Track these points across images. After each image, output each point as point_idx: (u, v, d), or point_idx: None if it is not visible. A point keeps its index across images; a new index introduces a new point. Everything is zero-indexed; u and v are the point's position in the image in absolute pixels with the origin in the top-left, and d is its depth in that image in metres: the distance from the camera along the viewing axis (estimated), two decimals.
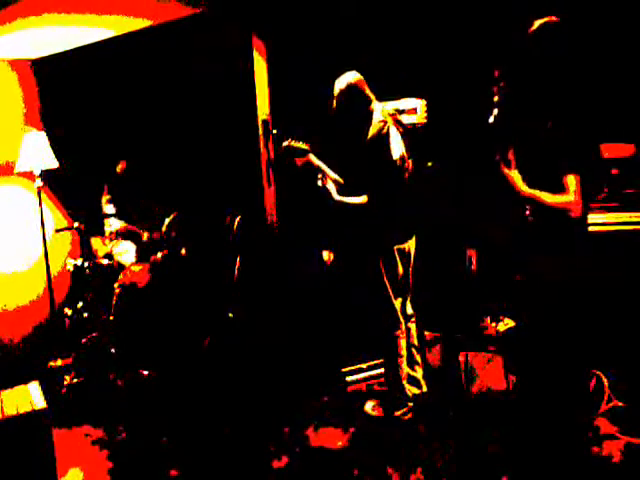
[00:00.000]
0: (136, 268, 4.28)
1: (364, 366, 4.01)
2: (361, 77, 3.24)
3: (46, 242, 4.52)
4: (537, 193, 2.38)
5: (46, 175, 4.47)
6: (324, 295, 4.35)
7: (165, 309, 4.15)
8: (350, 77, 3.23)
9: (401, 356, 3.38)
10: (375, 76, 3.36)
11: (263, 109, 4.46)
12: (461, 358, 3.48)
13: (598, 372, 3.18)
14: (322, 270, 4.40)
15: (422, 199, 3.41)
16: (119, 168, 4.77)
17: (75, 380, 4.13)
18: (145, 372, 4.07)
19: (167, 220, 4.33)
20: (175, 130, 4.80)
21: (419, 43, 3.96)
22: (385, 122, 3.17)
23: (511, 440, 3.00)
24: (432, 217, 3.68)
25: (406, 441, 3.21)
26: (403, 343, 3.38)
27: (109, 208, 4.70)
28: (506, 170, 2.43)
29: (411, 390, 3.42)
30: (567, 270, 2.45)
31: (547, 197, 2.36)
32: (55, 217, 5.03)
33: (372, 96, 3.27)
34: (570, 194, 2.32)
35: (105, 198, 4.75)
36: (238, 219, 4.36)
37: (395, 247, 3.30)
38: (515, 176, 2.42)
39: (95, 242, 4.74)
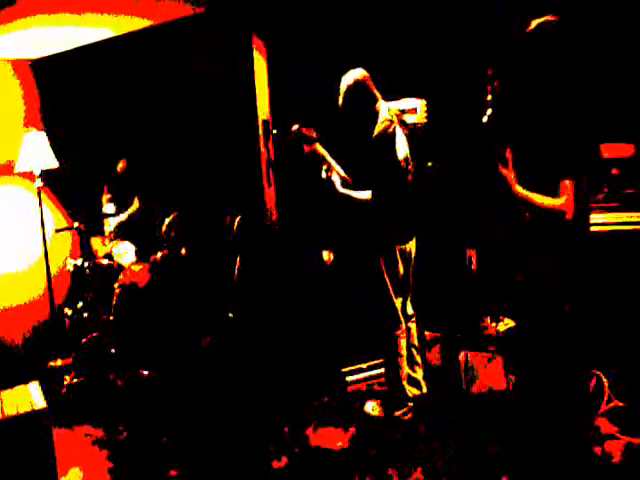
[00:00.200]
0: (136, 268, 4.28)
1: (364, 366, 4.01)
2: (368, 74, 3.25)
3: (46, 242, 4.52)
4: (530, 194, 2.38)
5: (46, 175, 4.48)
6: (324, 295, 4.35)
7: (165, 309, 4.14)
8: (357, 73, 3.25)
9: (401, 356, 3.38)
10: (375, 76, 3.36)
11: (263, 109, 4.46)
12: (461, 358, 3.48)
13: (598, 372, 3.18)
14: (322, 270, 4.40)
15: (422, 199, 3.41)
16: (119, 167, 4.77)
17: (75, 380, 4.13)
18: (145, 372, 4.07)
19: (167, 220, 4.33)
20: (175, 130, 4.79)
21: (419, 43, 3.96)
22: (392, 121, 3.18)
23: (511, 440, 3.00)
24: (432, 217, 3.68)
25: (406, 441, 3.21)
26: (403, 343, 3.38)
27: (109, 207, 4.71)
28: (502, 169, 2.43)
29: (411, 391, 3.42)
30: (567, 270, 2.45)
31: (539, 199, 2.36)
32: (55, 217, 5.03)
33: (378, 95, 3.28)
34: (562, 199, 2.33)
35: (105, 198, 4.75)
36: (238, 219, 4.36)
37: (397, 247, 3.30)
38: (511, 175, 2.42)
39: (95, 242, 4.74)
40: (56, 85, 4.94)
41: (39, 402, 2.94)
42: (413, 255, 3.40)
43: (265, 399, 3.81)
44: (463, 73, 3.89)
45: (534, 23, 2.42)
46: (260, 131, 4.46)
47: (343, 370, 4.00)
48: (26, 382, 3.19)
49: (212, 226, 4.54)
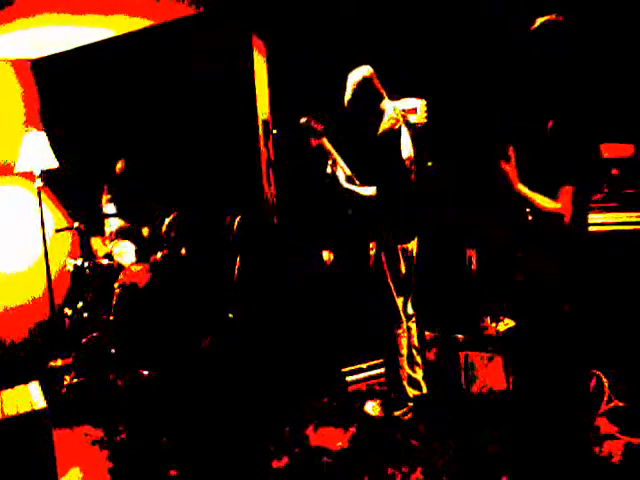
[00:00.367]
0: (136, 268, 4.28)
1: (364, 366, 4.01)
2: (374, 72, 3.26)
3: (46, 242, 4.52)
4: (531, 194, 2.39)
5: (46, 175, 4.47)
6: (324, 295, 4.35)
7: (165, 309, 4.14)
8: (364, 71, 3.26)
9: (402, 355, 3.38)
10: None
11: (263, 109, 4.46)
12: (461, 358, 3.48)
13: (598, 372, 3.18)
14: (322, 270, 4.40)
15: (423, 199, 3.41)
16: (118, 167, 4.77)
17: (75, 380, 4.13)
18: (145, 372, 4.07)
19: (167, 220, 4.33)
20: (175, 130, 4.79)
21: (419, 43, 3.96)
22: (398, 120, 3.20)
23: (511, 440, 3.00)
24: (432, 217, 3.68)
25: (406, 441, 3.21)
26: (404, 342, 3.38)
27: (109, 208, 4.71)
28: (505, 166, 2.43)
29: (411, 391, 3.42)
30: (566, 270, 2.45)
31: (540, 200, 2.37)
32: (55, 217, 5.03)
33: (384, 93, 3.30)
34: (560, 203, 2.34)
35: (105, 198, 4.75)
36: (238, 219, 4.36)
37: (399, 246, 3.30)
38: (513, 173, 2.42)
39: (95, 242, 4.74)
40: (56, 85, 4.94)
41: (39, 402, 2.94)
42: (415, 254, 3.40)
43: (265, 399, 3.81)
44: (463, 73, 3.89)
45: (538, 22, 2.42)
46: (260, 131, 4.46)
47: (343, 370, 4.00)
48: (26, 382, 3.19)
49: (212, 226, 4.54)
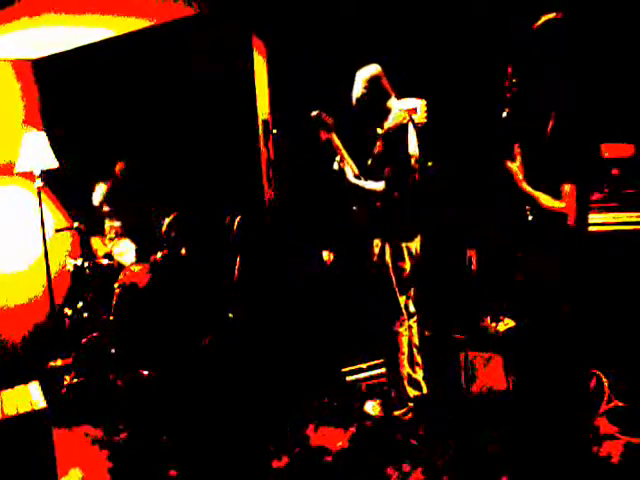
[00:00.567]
0: (136, 268, 4.28)
1: (364, 366, 4.01)
2: (382, 70, 3.29)
3: (46, 242, 4.52)
4: (536, 193, 2.40)
5: (46, 175, 4.47)
6: (324, 295, 4.35)
7: (165, 309, 4.15)
8: (373, 69, 3.29)
9: (402, 353, 3.38)
10: None
11: (263, 109, 4.46)
12: (461, 358, 3.48)
13: (598, 372, 3.18)
14: (322, 270, 4.40)
15: (424, 199, 3.42)
16: (117, 168, 4.76)
17: (75, 380, 4.13)
18: (145, 372, 4.07)
19: (167, 220, 4.33)
20: (175, 130, 4.79)
21: (419, 43, 3.96)
22: (405, 117, 3.22)
23: (511, 440, 3.01)
24: (433, 217, 3.68)
25: (406, 441, 3.21)
26: (404, 340, 3.39)
27: (97, 195, 4.65)
28: (510, 165, 2.44)
29: (411, 391, 3.42)
30: (567, 270, 2.45)
31: (544, 199, 2.38)
32: (55, 217, 5.03)
33: (392, 91, 3.32)
34: (563, 202, 2.35)
35: (102, 197, 4.72)
36: (238, 219, 4.36)
37: (404, 243, 3.31)
38: (518, 172, 2.44)
39: (95, 242, 4.74)
40: (56, 85, 4.94)
41: (39, 402, 2.94)
42: (418, 253, 3.40)
43: (265, 399, 3.81)
44: (463, 73, 3.89)
45: (541, 20, 2.42)
46: (260, 131, 4.46)
47: (343, 370, 4.00)
48: (26, 382, 3.19)
49: (212, 226, 4.54)
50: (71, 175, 4.82)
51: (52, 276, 4.61)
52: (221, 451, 3.33)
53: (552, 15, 2.41)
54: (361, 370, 3.99)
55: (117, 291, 4.19)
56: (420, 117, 3.66)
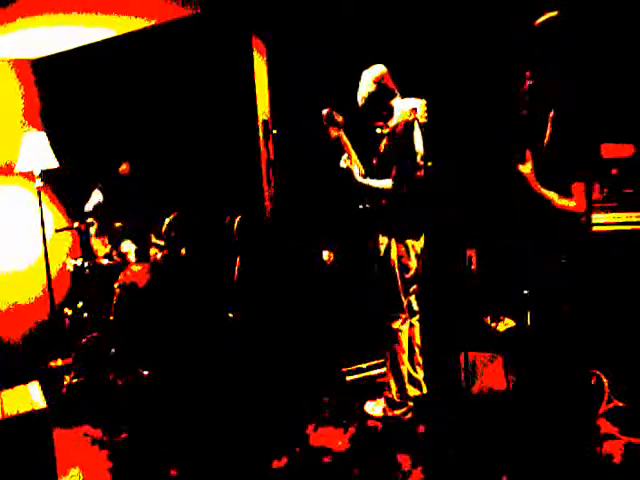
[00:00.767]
0: (136, 268, 4.28)
1: (364, 366, 4.01)
2: (387, 71, 3.34)
3: (46, 242, 4.52)
4: (549, 193, 2.42)
5: (46, 175, 4.47)
6: (324, 295, 4.35)
7: (165, 309, 4.15)
8: (379, 69, 3.33)
9: (403, 351, 3.39)
10: None
11: (263, 109, 4.46)
12: (461, 358, 3.48)
13: (598, 372, 3.18)
14: (322, 270, 4.40)
15: (426, 198, 3.42)
16: (121, 169, 4.76)
17: (75, 380, 4.13)
18: (145, 372, 4.08)
19: (167, 220, 4.33)
20: (175, 130, 4.79)
21: (419, 43, 3.96)
22: (411, 115, 3.24)
23: (511, 440, 3.00)
24: (433, 217, 3.68)
25: (406, 441, 3.21)
26: (405, 337, 3.39)
27: (96, 197, 4.64)
28: (522, 168, 2.46)
29: (411, 390, 3.42)
30: (571, 269, 2.46)
31: (557, 199, 2.41)
32: (55, 217, 5.02)
33: (396, 90, 3.36)
34: (574, 201, 2.37)
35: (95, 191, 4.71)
36: (238, 219, 4.36)
37: (410, 241, 3.32)
38: (532, 174, 2.46)
39: (95, 242, 4.74)
40: (56, 85, 4.94)
41: (39, 402, 2.94)
42: (422, 253, 3.41)
43: (265, 399, 3.81)
44: (463, 73, 3.89)
45: (542, 18, 2.43)
46: (260, 131, 4.46)
47: (343, 370, 4.00)
48: (26, 382, 3.19)
49: (212, 226, 4.54)
50: (71, 175, 4.82)
51: (52, 276, 4.61)
52: (221, 451, 3.33)
53: (553, 14, 2.41)
54: (361, 370, 3.99)
55: (117, 291, 4.19)
56: (420, 117, 3.66)
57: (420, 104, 3.33)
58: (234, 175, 4.57)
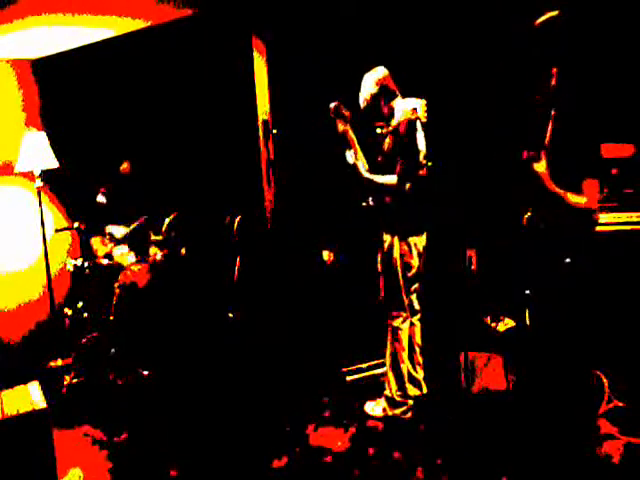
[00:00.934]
0: (136, 268, 4.28)
1: (364, 366, 4.01)
2: (388, 73, 3.37)
3: (46, 242, 4.52)
4: (564, 192, 2.44)
5: (46, 175, 4.47)
6: (324, 295, 4.35)
7: (165, 309, 4.14)
8: (382, 72, 3.36)
9: (403, 349, 3.39)
10: None
11: (263, 109, 4.46)
12: (461, 358, 3.48)
13: (598, 372, 3.18)
14: (322, 270, 4.40)
15: (428, 196, 3.43)
16: (122, 168, 4.75)
17: (75, 380, 4.13)
18: (145, 372, 4.07)
19: (167, 220, 4.33)
20: (175, 130, 4.79)
21: (419, 43, 3.96)
22: (413, 114, 3.25)
23: (511, 440, 3.00)
24: (434, 216, 3.68)
25: (406, 441, 3.21)
26: (405, 336, 3.40)
27: (100, 198, 4.64)
28: (537, 167, 2.47)
29: (412, 390, 3.42)
30: (572, 270, 2.46)
31: (571, 197, 2.43)
32: (55, 217, 5.02)
33: (397, 91, 3.39)
34: (587, 197, 2.39)
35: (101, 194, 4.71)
36: (238, 219, 4.36)
37: (412, 239, 3.33)
38: (546, 174, 2.47)
39: (95, 242, 4.74)
40: (56, 85, 4.94)
41: (39, 402, 2.94)
42: (424, 252, 3.41)
43: (265, 399, 3.81)
44: (463, 73, 3.89)
45: (542, 18, 2.43)
46: (260, 131, 4.46)
47: (343, 370, 4.00)
48: (26, 382, 3.19)
49: (212, 226, 4.54)
50: (71, 175, 4.82)
51: (52, 276, 4.61)
52: (221, 451, 3.33)
53: (553, 13, 2.41)
54: (361, 370, 3.99)
55: (117, 291, 4.18)
56: (420, 117, 3.67)
57: (420, 104, 3.34)
58: (234, 175, 4.57)
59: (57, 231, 4.73)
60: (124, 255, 4.46)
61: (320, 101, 3.50)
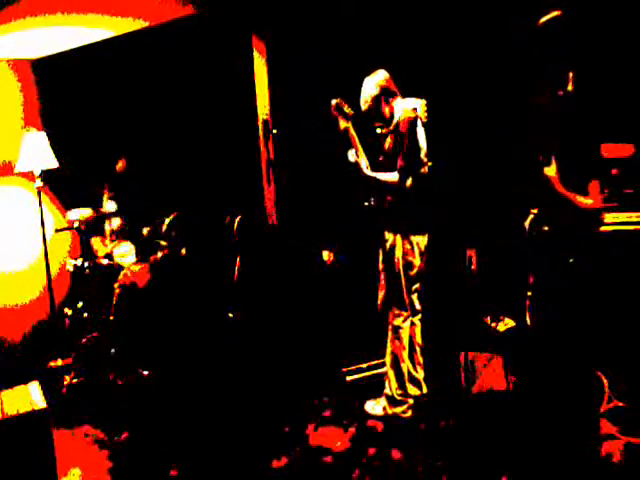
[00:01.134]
0: (136, 268, 4.28)
1: (364, 366, 4.01)
2: (389, 76, 3.39)
3: (46, 242, 4.51)
4: (572, 194, 2.45)
5: (46, 175, 4.47)
6: (324, 295, 4.35)
7: (165, 309, 4.14)
8: (382, 75, 3.38)
9: (403, 348, 3.40)
10: None
11: (263, 109, 4.46)
12: (461, 358, 3.48)
13: (598, 372, 3.18)
14: (322, 270, 4.40)
15: (429, 195, 3.43)
16: (119, 166, 4.76)
17: (75, 380, 4.13)
18: (145, 372, 4.07)
19: (167, 220, 4.33)
20: (175, 130, 4.79)
21: (419, 43, 3.96)
22: (413, 112, 3.27)
23: (511, 440, 3.00)
24: (434, 216, 3.68)
25: (406, 441, 3.21)
26: (405, 335, 3.40)
27: (110, 205, 4.68)
28: (547, 170, 2.49)
29: (412, 390, 3.42)
30: (570, 270, 2.47)
31: (579, 199, 2.45)
32: (55, 217, 5.02)
33: (397, 92, 3.41)
34: (592, 198, 2.41)
35: (106, 196, 4.74)
36: (238, 219, 4.36)
37: (414, 238, 3.33)
38: (556, 176, 2.48)
39: (95, 242, 4.74)
40: (56, 85, 4.94)
41: (39, 402, 2.94)
42: (426, 251, 3.41)
43: (265, 399, 3.81)
44: (463, 73, 3.89)
45: (545, 18, 2.43)
46: (260, 131, 4.46)
47: (343, 370, 4.00)
48: (26, 382, 3.19)
49: (212, 226, 4.54)
50: (71, 175, 4.81)
51: (52, 276, 4.61)
52: (221, 451, 3.33)
53: (555, 14, 2.41)
54: (361, 370, 3.99)
55: (117, 291, 4.18)
56: (420, 117, 3.67)
57: (420, 104, 3.34)
58: (234, 175, 4.57)
59: (57, 231, 4.73)
60: (124, 256, 4.46)
61: (320, 101, 3.51)
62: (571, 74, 2.55)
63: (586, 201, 2.47)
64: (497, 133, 3.76)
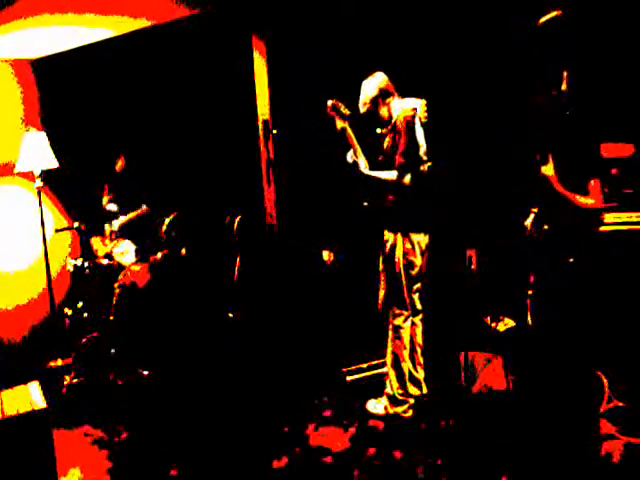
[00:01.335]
0: (136, 268, 4.28)
1: (364, 366, 4.01)
2: (387, 78, 3.41)
3: (46, 242, 4.51)
4: (571, 194, 2.45)
5: (46, 175, 4.47)
6: (324, 295, 4.35)
7: (165, 309, 4.14)
8: (381, 77, 3.40)
9: (404, 347, 3.40)
10: None
11: (263, 109, 4.46)
12: (461, 358, 3.48)
13: (598, 372, 3.18)
14: (322, 270, 4.40)
15: (429, 195, 3.43)
16: (118, 165, 4.76)
17: (75, 380, 4.13)
18: (145, 372, 4.07)
19: (167, 220, 4.33)
20: (175, 130, 4.79)
21: (419, 43, 3.96)
22: (412, 111, 3.28)
23: (511, 440, 3.00)
24: (434, 216, 3.69)
25: (406, 441, 3.21)
26: (406, 334, 3.40)
27: (111, 206, 4.69)
28: (545, 170, 2.49)
29: (412, 389, 3.43)
30: (570, 270, 2.47)
31: (579, 198, 2.45)
32: (55, 217, 5.02)
33: (395, 92, 3.42)
34: (592, 198, 2.41)
35: (106, 198, 4.74)
36: (238, 219, 4.36)
37: (415, 237, 3.33)
38: (554, 176, 2.48)
39: (95, 242, 4.74)
40: (56, 85, 4.94)
41: (39, 402, 2.94)
42: (427, 251, 3.41)
43: (265, 399, 3.81)
44: (463, 73, 3.89)
45: (544, 18, 2.44)
46: (260, 131, 4.46)
47: (343, 370, 4.00)
48: (26, 382, 3.19)
49: (212, 226, 4.54)
50: (71, 175, 4.81)
51: (52, 276, 4.61)
52: (221, 451, 3.33)
53: (555, 13, 2.41)
54: (361, 370, 3.99)
55: (117, 291, 4.18)
56: (420, 117, 3.67)
57: (420, 104, 3.34)
58: (234, 175, 4.57)
59: (57, 231, 4.73)
60: (124, 255, 4.46)
61: (320, 101, 3.50)
62: (565, 74, 2.55)
63: (586, 201, 2.47)
64: (497, 133, 3.76)
